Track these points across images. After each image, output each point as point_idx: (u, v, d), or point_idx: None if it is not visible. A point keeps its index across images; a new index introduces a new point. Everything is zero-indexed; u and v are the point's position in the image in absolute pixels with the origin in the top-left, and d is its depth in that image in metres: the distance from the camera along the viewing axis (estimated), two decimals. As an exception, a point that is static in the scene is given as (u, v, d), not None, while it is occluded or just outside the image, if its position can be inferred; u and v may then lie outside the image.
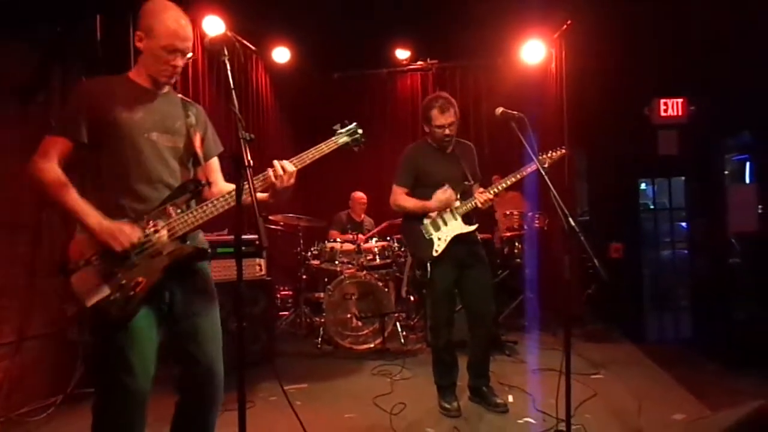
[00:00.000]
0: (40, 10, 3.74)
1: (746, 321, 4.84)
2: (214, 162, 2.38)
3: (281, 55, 6.86)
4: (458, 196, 3.57)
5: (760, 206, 5.34)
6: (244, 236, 4.16)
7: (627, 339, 5.40)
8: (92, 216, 1.99)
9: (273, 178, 2.16)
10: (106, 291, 1.98)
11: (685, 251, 5.79)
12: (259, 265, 4.67)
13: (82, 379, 3.99)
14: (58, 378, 3.93)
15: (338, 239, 5.81)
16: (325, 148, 2.39)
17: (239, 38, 6.09)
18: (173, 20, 2.10)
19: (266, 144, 6.85)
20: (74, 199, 2.01)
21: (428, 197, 3.59)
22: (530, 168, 3.41)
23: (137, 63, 2.22)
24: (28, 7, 3.67)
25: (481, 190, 3.56)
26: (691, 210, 5.79)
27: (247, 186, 1.86)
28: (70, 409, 3.73)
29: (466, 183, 3.61)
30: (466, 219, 3.58)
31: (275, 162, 2.20)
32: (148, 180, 2.12)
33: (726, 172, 5.95)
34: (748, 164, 5.88)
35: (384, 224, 6.03)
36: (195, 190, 2.19)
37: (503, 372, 4.34)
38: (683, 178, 5.82)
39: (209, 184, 2.18)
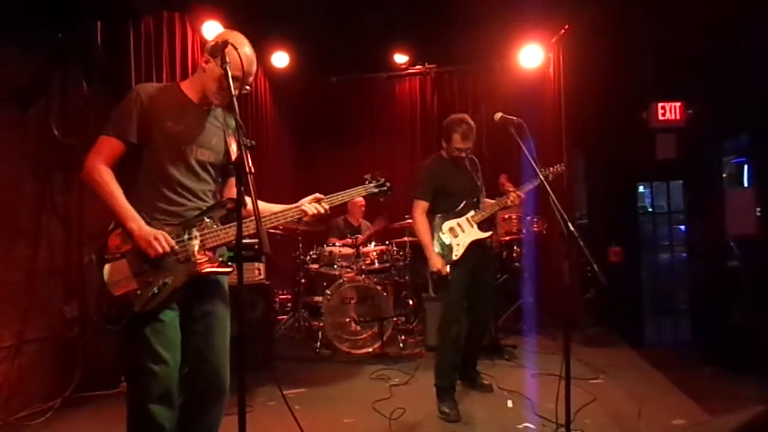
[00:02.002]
0: (40, 16, 3.75)
1: (746, 324, 4.84)
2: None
3: (280, 59, 6.85)
4: (475, 206, 3.90)
5: (758, 209, 5.35)
6: (243, 240, 4.18)
7: (626, 343, 5.39)
8: (134, 221, 2.14)
9: (306, 215, 2.41)
10: (133, 285, 2.13)
11: (684, 254, 5.79)
12: (258, 270, 4.67)
13: (81, 383, 3.99)
14: (56, 382, 3.93)
15: (337, 243, 5.81)
16: (355, 193, 2.62)
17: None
18: (246, 57, 2.22)
19: (265, 148, 6.84)
20: (120, 202, 2.16)
21: (449, 205, 3.89)
22: (536, 181, 3.64)
23: (193, 76, 2.39)
24: (29, 12, 3.68)
25: (514, 193, 3.88)
26: (689, 213, 5.80)
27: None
28: (69, 413, 3.72)
29: (478, 194, 3.95)
30: (481, 226, 3.88)
31: (313, 204, 2.44)
32: (176, 187, 2.26)
33: (724, 175, 5.97)
34: (746, 167, 5.90)
35: (378, 226, 6.03)
36: (231, 208, 2.31)
37: (502, 376, 4.34)
38: (681, 181, 5.83)
39: (245, 205, 2.22)
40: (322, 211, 2.45)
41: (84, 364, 4.06)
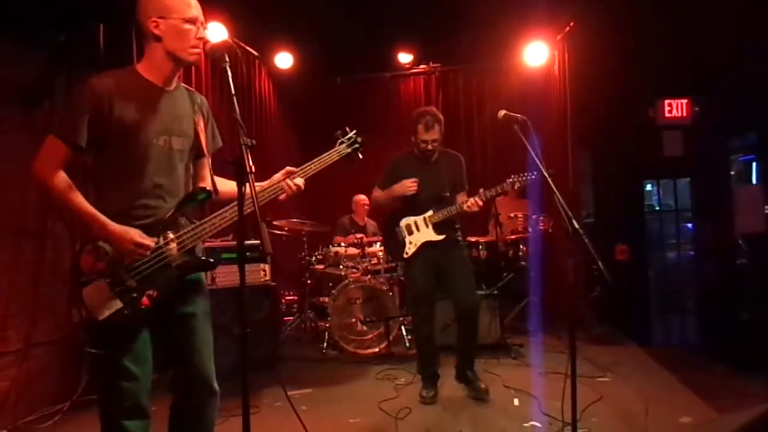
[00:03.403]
0: (44, 18, 3.76)
1: (754, 322, 4.81)
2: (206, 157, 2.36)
3: (284, 60, 6.87)
4: (436, 205, 3.85)
5: (766, 207, 5.31)
6: (248, 242, 4.19)
7: (633, 341, 5.36)
8: (104, 224, 1.97)
9: (282, 195, 2.24)
10: (117, 304, 1.97)
11: (691, 253, 5.76)
12: (264, 271, 4.67)
13: (89, 385, 3.98)
14: (64, 385, 3.94)
15: (342, 243, 5.81)
16: (327, 159, 2.42)
17: (242, 44, 6.10)
18: None
19: (269, 149, 6.85)
20: (84, 209, 1.98)
21: (408, 202, 3.90)
22: (512, 183, 3.72)
23: (146, 55, 2.13)
24: (32, 14, 3.69)
25: (472, 199, 3.74)
26: (696, 211, 5.76)
27: (249, 194, 1.84)
28: (76, 416, 3.73)
29: (442, 194, 3.87)
30: (438, 228, 3.85)
31: (287, 181, 2.24)
32: (149, 188, 2.08)
33: (732, 173, 5.93)
34: (754, 165, 5.86)
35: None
36: (203, 200, 2.16)
37: (508, 375, 4.33)
38: (689, 179, 5.80)
39: (216, 191, 2.15)
40: (298, 185, 2.26)
41: (90, 368, 4.07)
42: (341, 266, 5.57)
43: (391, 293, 5.30)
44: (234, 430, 2.13)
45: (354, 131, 2.56)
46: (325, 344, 5.29)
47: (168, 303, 2.09)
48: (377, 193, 4.09)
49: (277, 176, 2.28)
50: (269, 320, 4.72)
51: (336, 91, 7.64)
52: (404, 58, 7.31)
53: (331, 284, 5.62)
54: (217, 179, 2.22)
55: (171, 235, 2.07)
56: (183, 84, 2.28)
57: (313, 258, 5.90)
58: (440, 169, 3.91)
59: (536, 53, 6.63)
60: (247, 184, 1.85)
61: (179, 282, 2.11)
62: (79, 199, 1.99)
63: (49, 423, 3.62)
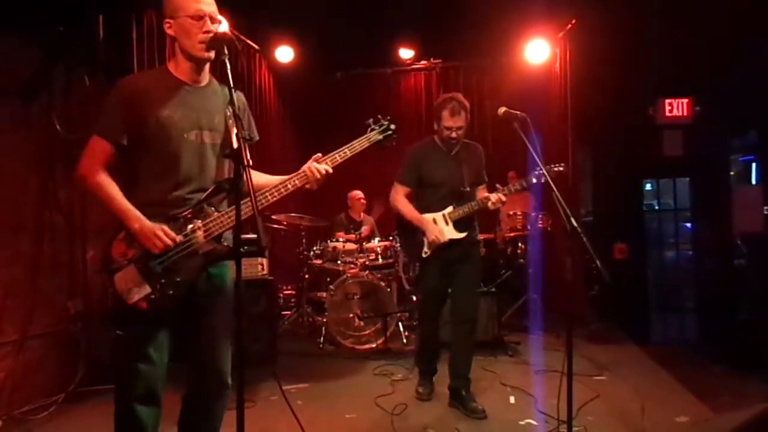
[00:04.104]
0: (41, 11, 3.74)
1: (752, 322, 4.81)
2: None
3: (284, 54, 6.85)
4: (456, 200, 3.63)
5: (766, 207, 5.31)
6: (247, 235, 4.17)
7: (631, 340, 5.36)
8: (137, 220, 2.06)
9: (309, 183, 2.25)
10: (147, 290, 2.06)
11: (689, 252, 5.76)
12: (262, 265, 4.66)
13: (85, 377, 4.00)
14: (60, 376, 3.94)
15: (341, 239, 5.81)
16: (357, 146, 2.38)
17: (242, 37, 6.08)
18: None
19: (269, 143, 6.82)
20: (120, 203, 2.08)
21: (428, 197, 3.68)
22: (539, 175, 3.52)
23: (174, 54, 2.22)
24: (30, 7, 3.67)
25: (496, 195, 3.53)
26: (696, 211, 5.76)
27: (248, 192, 1.86)
28: (72, 408, 3.74)
29: (462, 189, 3.63)
30: (458, 225, 3.62)
31: (312, 167, 2.25)
32: (183, 185, 2.15)
33: (732, 173, 5.93)
34: (754, 165, 5.86)
35: (377, 212, 6.05)
36: (230, 189, 2.18)
37: (505, 373, 4.33)
38: (688, 178, 5.80)
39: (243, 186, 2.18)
40: (323, 172, 2.25)
41: (88, 359, 4.08)
42: (339, 261, 5.56)
43: (389, 289, 5.30)
44: (229, 424, 2.12)
45: (388, 117, 2.49)
46: (322, 339, 5.28)
47: (190, 298, 2.15)
48: (401, 202, 3.72)
49: (306, 165, 2.29)
50: (266, 314, 4.70)
51: (336, 86, 7.61)
52: (405, 53, 7.28)
53: (329, 279, 5.62)
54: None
55: (198, 223, 2.13)
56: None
57: (311, 253, 5.90)
58: (461, 161, 3.66)
59: (537, 50, 6.61)
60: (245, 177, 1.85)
61: (205, 272, 2.17)
62: (119, 196, 2.09)
63: (45, 414, 3.61)
